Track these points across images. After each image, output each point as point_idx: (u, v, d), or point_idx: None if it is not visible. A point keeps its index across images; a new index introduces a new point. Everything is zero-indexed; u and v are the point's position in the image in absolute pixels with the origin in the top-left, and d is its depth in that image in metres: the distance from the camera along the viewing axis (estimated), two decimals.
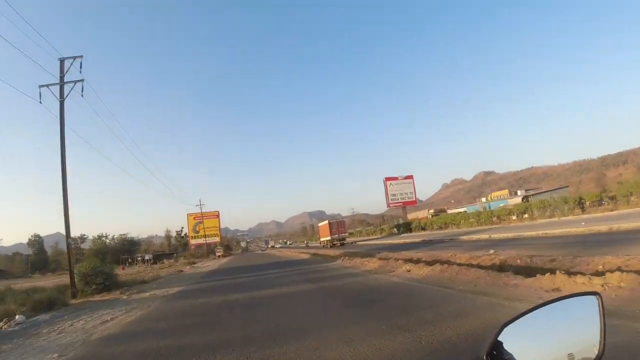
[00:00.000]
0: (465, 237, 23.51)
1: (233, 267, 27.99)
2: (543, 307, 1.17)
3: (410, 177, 64.90)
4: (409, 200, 64.43)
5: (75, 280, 15.29)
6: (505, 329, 1.15)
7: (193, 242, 76.33)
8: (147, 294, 14.31)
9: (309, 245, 79.12)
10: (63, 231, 16.09)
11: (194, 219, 75.63)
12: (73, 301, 13.76)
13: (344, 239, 45.73)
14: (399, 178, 64.17)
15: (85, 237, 74.96)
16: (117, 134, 78.19)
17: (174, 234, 79.97)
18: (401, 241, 32.53)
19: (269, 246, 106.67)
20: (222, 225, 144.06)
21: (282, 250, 61.76)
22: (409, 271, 10.55)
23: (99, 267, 16.54)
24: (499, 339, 1.15)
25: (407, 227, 55.71)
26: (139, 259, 68.25)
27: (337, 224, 45.96)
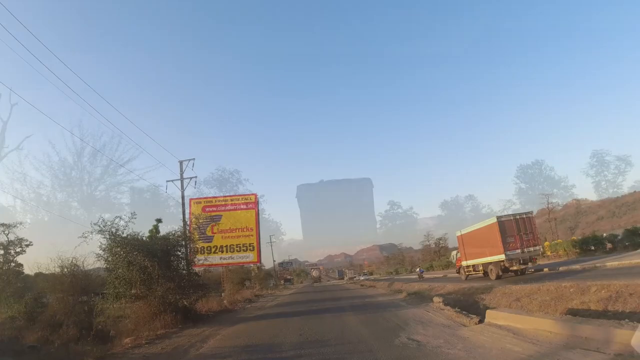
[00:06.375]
0: None
1: None
2: None
3: None
4: None
5: None
6: None
7: (204, 261, 34.46)
8: None
9: (424, 277, 34.81)
10: None
11: (204, 209, 34.34)
12: None
13: (532, 258, 18.02)
14: None
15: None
16: None
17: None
18: None
19: (346, 278, 74.89)
20: (290, 256, 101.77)
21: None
22: None
23: None
24: None
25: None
26: None
27: (517, 224, 17.87)
